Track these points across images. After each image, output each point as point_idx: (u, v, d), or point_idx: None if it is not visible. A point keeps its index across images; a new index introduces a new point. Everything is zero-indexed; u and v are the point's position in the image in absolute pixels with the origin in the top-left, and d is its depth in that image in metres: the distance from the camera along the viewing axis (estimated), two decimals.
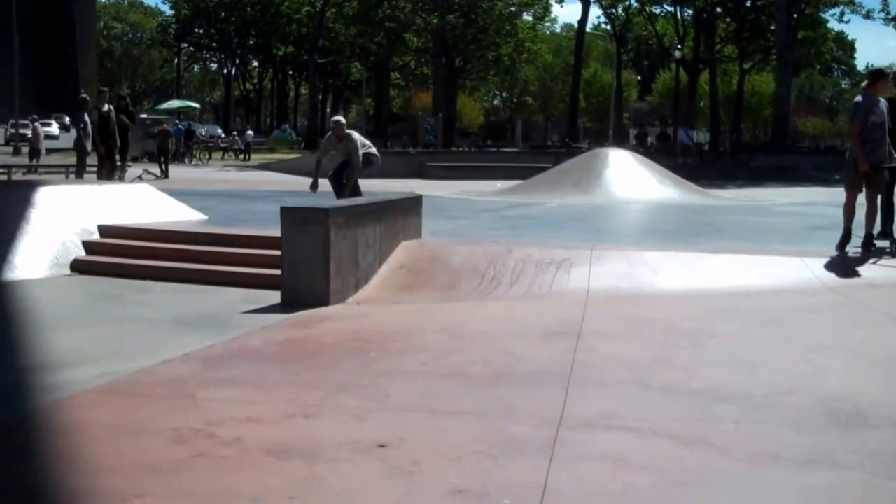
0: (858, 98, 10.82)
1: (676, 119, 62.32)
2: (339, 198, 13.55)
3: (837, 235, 10.89)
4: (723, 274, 9.95)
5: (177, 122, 51.85)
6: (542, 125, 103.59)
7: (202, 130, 61.00)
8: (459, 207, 18.52)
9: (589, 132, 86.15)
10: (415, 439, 4.99)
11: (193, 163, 46.27)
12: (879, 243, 10.92)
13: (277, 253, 9.47)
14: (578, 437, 5.09)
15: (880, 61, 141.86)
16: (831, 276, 9.86)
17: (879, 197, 11.00)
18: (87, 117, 19.82)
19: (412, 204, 12.09)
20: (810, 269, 10.07)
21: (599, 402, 5.78)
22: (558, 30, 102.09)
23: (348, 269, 9.54)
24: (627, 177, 22.13)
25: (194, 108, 74.46)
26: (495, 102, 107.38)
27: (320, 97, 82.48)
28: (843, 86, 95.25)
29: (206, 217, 13.96)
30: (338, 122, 14.81)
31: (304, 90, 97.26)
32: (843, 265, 10.34)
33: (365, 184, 14.72)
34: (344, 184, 14.45)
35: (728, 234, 13.42)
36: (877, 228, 11.04)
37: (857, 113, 10.61)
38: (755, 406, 5.70)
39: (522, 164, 33.33)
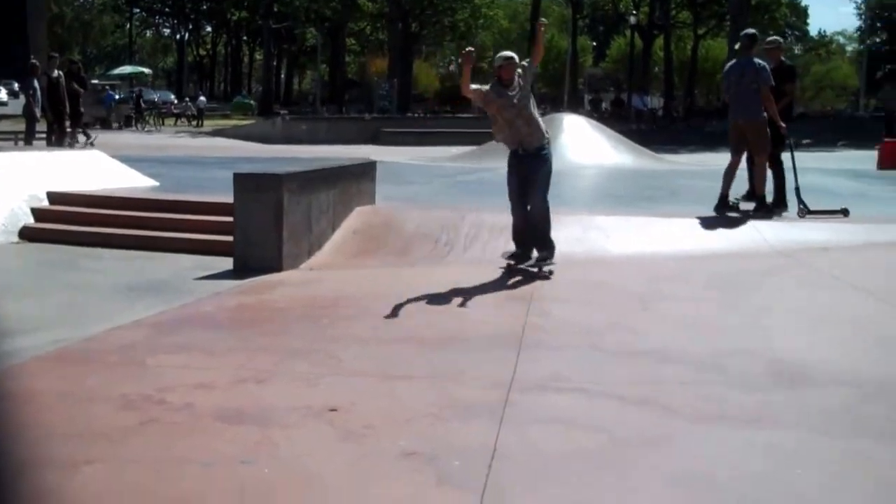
0: (760, 61, 10.94)
1: (631, 84, 62.50)
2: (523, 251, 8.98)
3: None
4: (675, 238, 10.05)
5: (108, 87, 51.09)
6: None
7: (154, 96, 60.21)
8: (414, 173, 18.50)
9: (544, 98, 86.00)
10: (366, 403, 5.01)
11: (146, 129, 45.72)
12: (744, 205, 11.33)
13: (230, 219, 9.42)
14: (529, 399, 5.14)
15: (832, 27, 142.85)
16: (781, 240, 9.98)
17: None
18: (36, 83, 19.51)
19: (366, 170, 12.06)
20: (760, 233, 10.20)
21: (550, 364, 5.83)
22: None
23: (301, 234, 9.52)
24: (582, 142, 22.17)
25: (146, 74, 73.57)
26: (451, 68, 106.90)
27: (275, 63, 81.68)
28: (796, 51, 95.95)
29: (157, 183, 13.84)
30: (509, 58, 8.62)
31: (258, 56, 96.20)
32: (792, 228, 10.48)
33: (317, 150, 14.57)
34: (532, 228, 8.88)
35: (681, 199, 13.52)
36: (737, 192, 11.42)
37: (769, 76, 10.77)
38: (702, 367, 5.79)
39: (478, 130, 33.12)
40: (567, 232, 10.07)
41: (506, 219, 10.28)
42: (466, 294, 7.96)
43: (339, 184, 10.70)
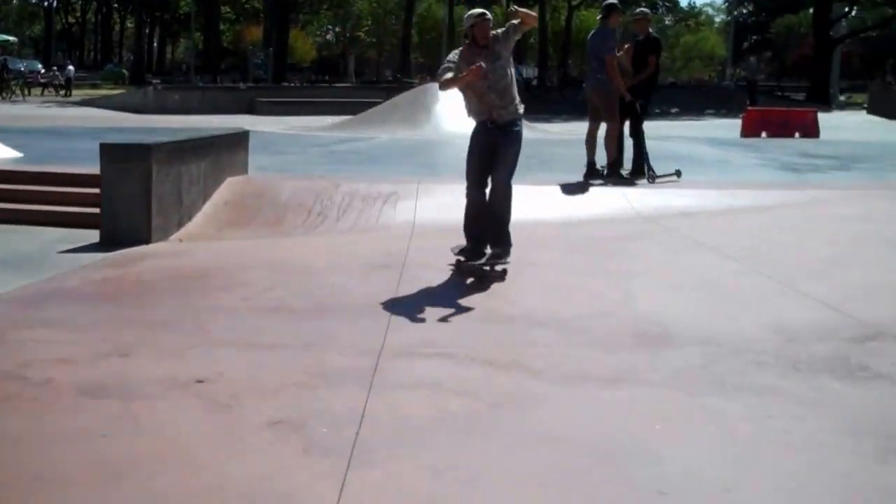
0: (609, 31, 11.35)
1: None
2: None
3: (659, 167, 11.53)
4: (545, 205, 10.20)
5: None
6: (375, 60, 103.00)
7: (21, 66, 58.02)
8: (288, 143, 18.31)
9: (422, 67, 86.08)
10: (234, 374, 4.98)
11: (11, 99, 44.10)
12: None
13: (97, 191, 9.20)
14: (398, 365, 5.19)
15: None
16: (647, 206, 10.23)
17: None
18: None
19: (238, 139, 11.89)
20: (627, 199, 10.44)
21: (419, 331, 5.88)
22: None
23: (171, 206, 9.35)
24: (456, 111, 22.19)
25: (12, 43, 70.82)
26: (328, 37, 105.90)
27: (147, 31, 79.60)
28: (667, 22, 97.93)
29: (21, 155, 13.39)
30: (481, 14, 7.41)
31: (130, 24, 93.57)
32: (658, 195, 10.76)
33: (191, 120, 14.26)
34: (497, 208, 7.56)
35: (552, 167, 13.65)
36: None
37: (612, 46, 11.15)
38: (568, 330, 5.92)
39: (354, 100, 33.08)
40: (439, 200, 10.13)
41: (380, 188, 10.31)
42: (339, 263, 7.97)
43: (210, 154, 10.53)
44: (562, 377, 5.06)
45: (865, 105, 43.21)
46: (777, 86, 60.92)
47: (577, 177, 11.38)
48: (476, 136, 7.49)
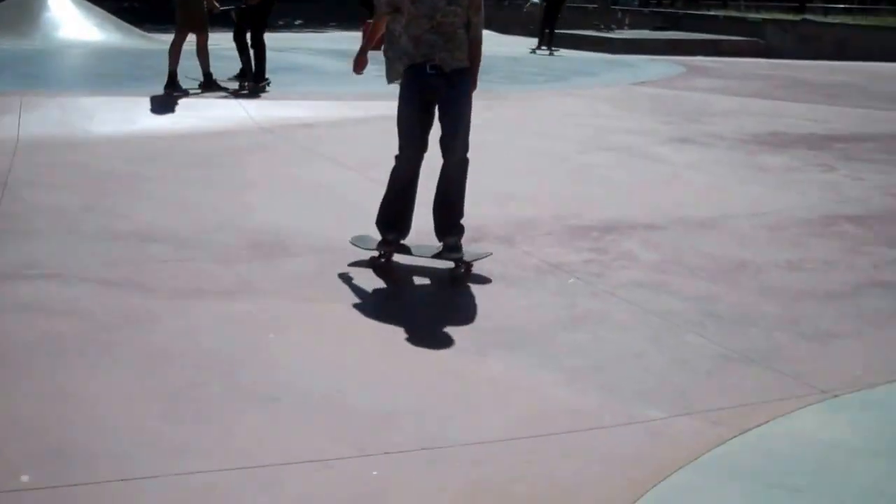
0: None
1: None
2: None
3: (278, 79, 11.52)
4: (159, 118, 9.91)
5: None
6: None
7: None
8: None
9: None
10: None
11: None
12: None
13: None
14: None
15: None
16: (266, 117, 10.17)
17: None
18: None
19: None
20: (246, 111, 10.34)
21: (22, 252, 5.54)
22: None
23: None
24: (66, 20, 20.84)
25: None
26: None
27: None
28: None
29: None
30: None
31: None
32: (277, 106, 10.73)
33: None
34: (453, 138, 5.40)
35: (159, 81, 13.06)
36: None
37: None
38: (184, 245, 5.83)
39: None
40: (46, 114, 9.60)
41: None
42: None
43: None
44: (177, 293, 4.99)
45: None
46: None
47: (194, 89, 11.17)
48: (411, 84, 5.46)
